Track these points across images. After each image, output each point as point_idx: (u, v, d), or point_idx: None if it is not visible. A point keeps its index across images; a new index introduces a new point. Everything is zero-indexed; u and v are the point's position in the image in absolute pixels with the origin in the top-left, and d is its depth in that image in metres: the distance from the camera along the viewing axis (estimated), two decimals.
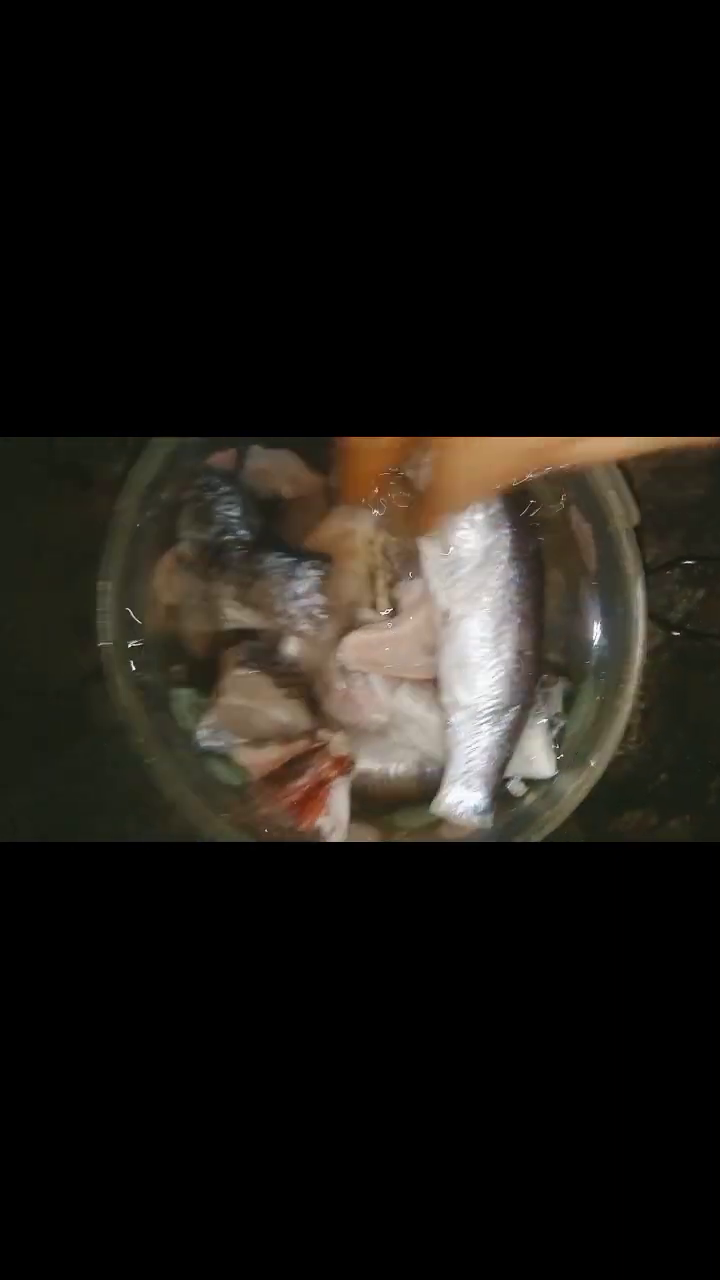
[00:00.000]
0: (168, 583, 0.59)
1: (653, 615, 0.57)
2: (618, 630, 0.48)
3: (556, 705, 0.52)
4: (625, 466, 0.56)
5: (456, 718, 0.49)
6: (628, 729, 0.60)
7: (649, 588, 0.57)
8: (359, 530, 0.55)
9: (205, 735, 0.59)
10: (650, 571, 0.58)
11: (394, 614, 0.54)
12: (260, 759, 0.58)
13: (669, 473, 0.58)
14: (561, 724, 0.53)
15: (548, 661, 0.53)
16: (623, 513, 0.46)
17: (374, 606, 0.55)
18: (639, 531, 0.49)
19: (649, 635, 0.57)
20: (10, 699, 0.82)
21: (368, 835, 0.58)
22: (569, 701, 0.53)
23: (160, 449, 0.54)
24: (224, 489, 0.55)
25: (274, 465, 0.55)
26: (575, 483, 0.48)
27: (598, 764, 0.49)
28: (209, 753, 0.60)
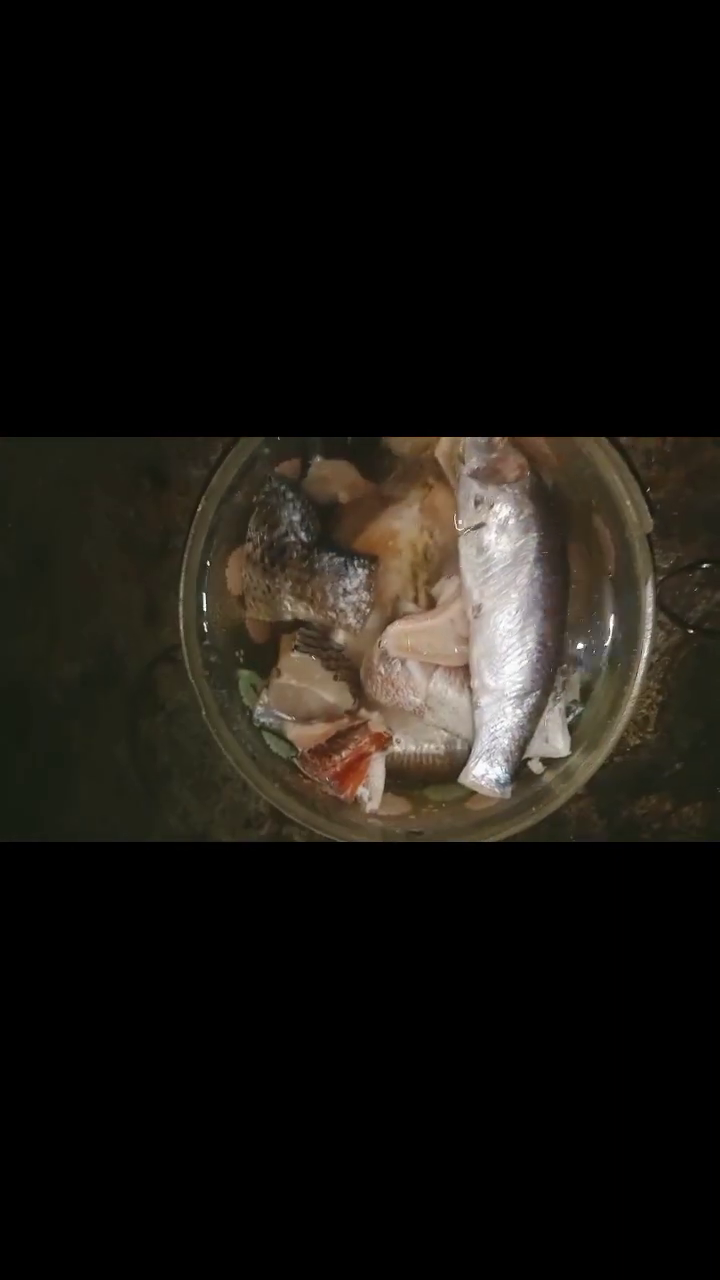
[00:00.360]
0: (236, 576, 0.67)
1: (672, 614, 0.62)
2: (630, 627, 0.54)
3: (574, 692, 0.58)
4: (647, 475, 0.61)
5: (484, 700, 0.55)
6: (645, 719, 0.65)
7: (671, 589, 0.62)
8: (404, 532, 0.62)
9: (261, 712, 0.67)
10: (672, 573, 0.63)
11: (432, 607, 0.60)
12: (308, 734, 0.65)
13: (696, 478, 0.63)
14: (579, 709, 0.59)
15: (568, 653, 0.59)
16: (637, 521, 0.51)
17: (415, 600, 0.61)
18: (656, 536, 0.54)
19: (668, 633, 0.62)
20: (91, 678, 0.92)
21: (401, 806, 0.65)
22: (586, 690, 0.58)
23: (237, 457, 0.62)
24: (289, 494, 0.62)
25: (333, 473, 0.63)
26: (598, 489, 0.54)
27: (605, 745, 0.55)
28: (264, 727, 0.67)
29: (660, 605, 0.63)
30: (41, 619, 0.95)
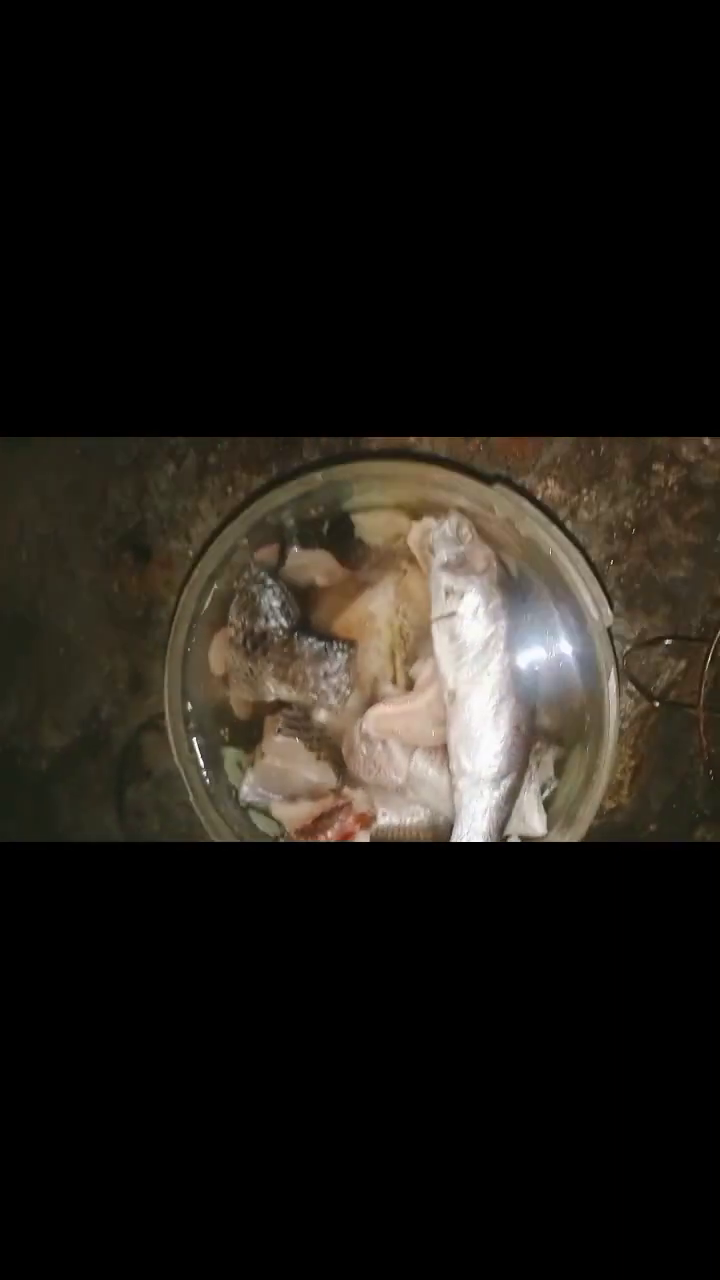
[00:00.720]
0: (219, 657, 0.69)
1: (639, 685, 0.65)
2: (596, 710, 0.56)
3: (548, 770, 0.60)
4: (608, 550, 0.64)
5: (462, 782, 0.57)
6: (620, 784, 0.67)
7: (637, 659, 0.65)
8: (380, 614, 0.64)
9: (247, 792, 0.68)
10: (637, 645, 0.65)
11: (410, 688, 0.63)
12: (294, 813, 0.67)
13: (654, 555, 0.66)
14: (554, 786, 0.61)
15: (543, 728, 0.61)
16: (597, 617, 0.54)
17: (394, 681, 0.64)
18: (621, 607, 0.57)
19: (636, 701, 0.64)
20: (84, 747, 0.93)
21: None
22: (559, 764, 0.61)
23: (219, 547, 0.64)
24: (268, 581, 0.65)
25: (311, 561, 0.65)
26: (559, 584, 0.56)
27: (582, 823, 0.57)
28: (251, 806, 0.69)
29: (628, 675, 0.65)
30: (28, 688, 0.97)
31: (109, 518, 0.88)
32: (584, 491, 0.66)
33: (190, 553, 0.85)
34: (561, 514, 0.67)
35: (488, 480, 0.57)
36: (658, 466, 0.65)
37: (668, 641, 0.62)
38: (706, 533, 0.64)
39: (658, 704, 0.62)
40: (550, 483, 0.67)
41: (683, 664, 0.65)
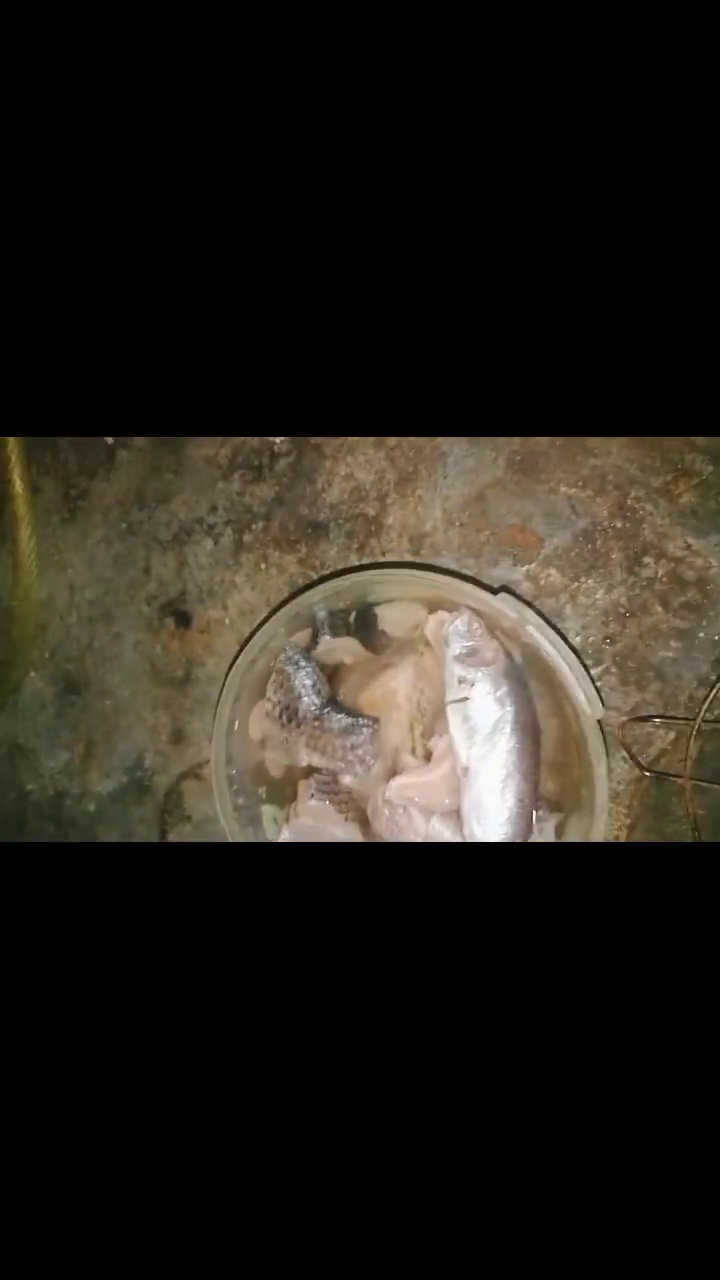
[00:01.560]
0: (257, 726, 0.78)
1: (632, 754, 0.73)
2: (590, 789, 0.64)
3: (550, 835, 0.68)
4: (605, 632, 0.71)
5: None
6: (615, 840, 0.75)
7: (631, 729, 0.72)
8: (400, 690, 0.72)
9: None
10: (631, 718, 0.73)
11: (428, 758, 0.71)
12: None
13: (646, 637, 0.74)
14: None
15: (545, 793, 0.69)
16: (589, 711, 0.62)
17: (413, 752, 0.72)
18: (617, 682, 0.63)
19: (630, 767, 0.72)
20: (129, 793, 1.02)
21: None
22: (560, 829, 0.69)
23: (260, 637, 0.73)
24: (301, 662, 0.73)
25: (340, 645, 0.73)
26: (549, 680, 0.64)
27: None
28: None
29: (622, 744, 0.73)
30: (77, 739, 1.06)
31: (152, 586, 0.97)
32: (581, 579, 0.74)
33: (226, 620, 0.94)
34: (562, 599, 0.75)
35: (493, 591, 0.65)
36: (648, 559, 0.73)
37: (656, 720, 0.70)
38: (693, 619, 0.71)
39: (648, 774, 0.70)
40: (552, 571, 0.75)
41: (671, 735, 0.72)
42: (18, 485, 0.88)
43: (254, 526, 0.90)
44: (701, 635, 0.71)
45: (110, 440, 0.98)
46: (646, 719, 0.70)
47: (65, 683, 1.05)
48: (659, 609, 0.72)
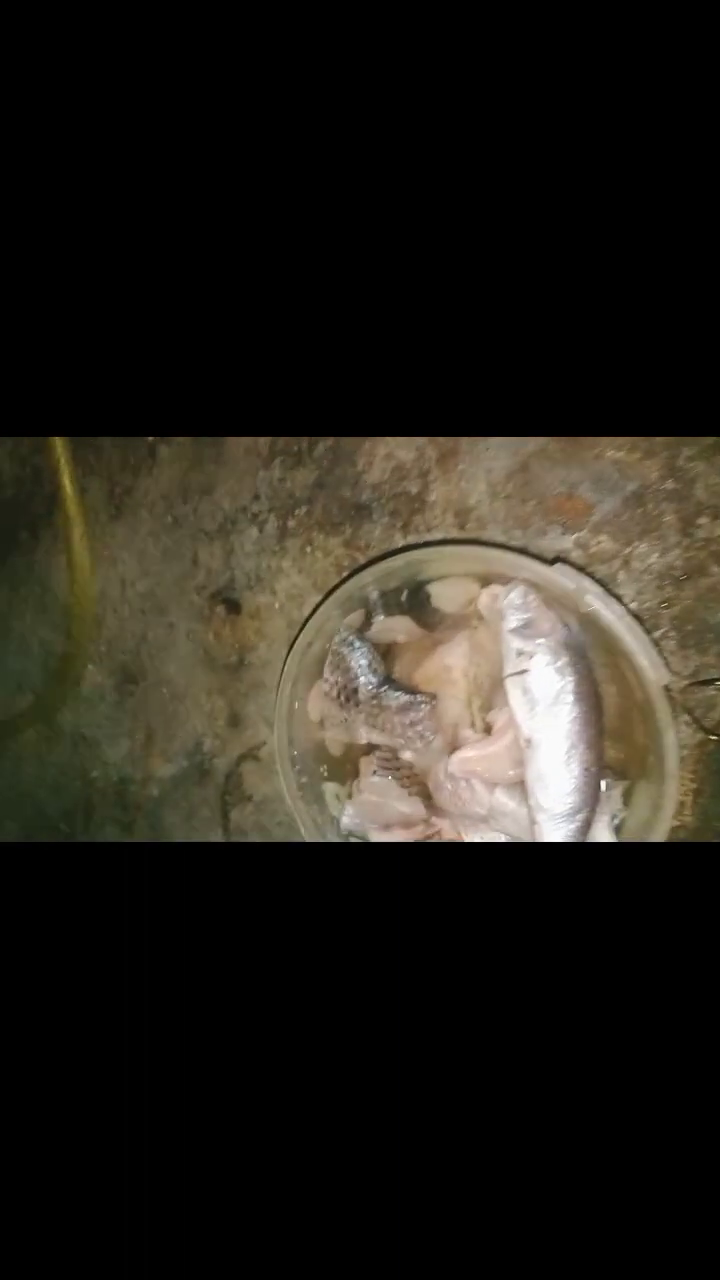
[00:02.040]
0: (316, 706, 0.79)
1: (695, 718, 0.72)
2: (659, 755, 0.64)
3: (618, 802, 0.68)
4: (662, 595, 0.71)
5: (540, 818, 0.66)
6: (682, 805, 0.75)
7: (693, 693, 0.72)
8: (455, 666, 0.73)
9: (347, 822, 0.78)
10: (692, 682, 0.72)
11: (488, 731, 0.71)
12: (389, 839, 0.77)
13: (704, 598, 0.73)
14: (623, 815, 0.69)
15: (609, 764, 0.69)
16: (654, 678, 0.61)
17: (472, 725, 0.72)
18: (676, 646, 0.62)
19: (694, 730, 0.72)
20: (190, 776, 1.05)
21: None
22: (627, 795, 0.69)
23: (315, 620, 0.74)
24: (356, 644, 0.74)
25: (394, 624, 0.74)
26: (608, 648, 0.64)
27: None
28: (350, 834, 0.79)
29: (685, 709, 0.73)
30: (137, 727, 1.09)
31: (201, 576, 0.99)
32: (634, 544, 0.73)
33: (275, 604, 0.95)
34: (615, 565, 0.74)
35: (548, 562, 0.65)
36: (702, 520, 0.71)
37: (717, 680, 0.69)
38: None
39: (713, 737, 0.69)
40: (603, 538, 0.74)
41: None
42: (67, 487, 0.90)
43: (297, 512, 0.91)
44: None
45: (151, 439, 0.99)
46: (709, 682, 0.70)
47: (123, 674, 1.08)
48: (716, 569, 0.71)
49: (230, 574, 0.97)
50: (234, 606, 0.98)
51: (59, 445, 0.89)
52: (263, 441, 0.92)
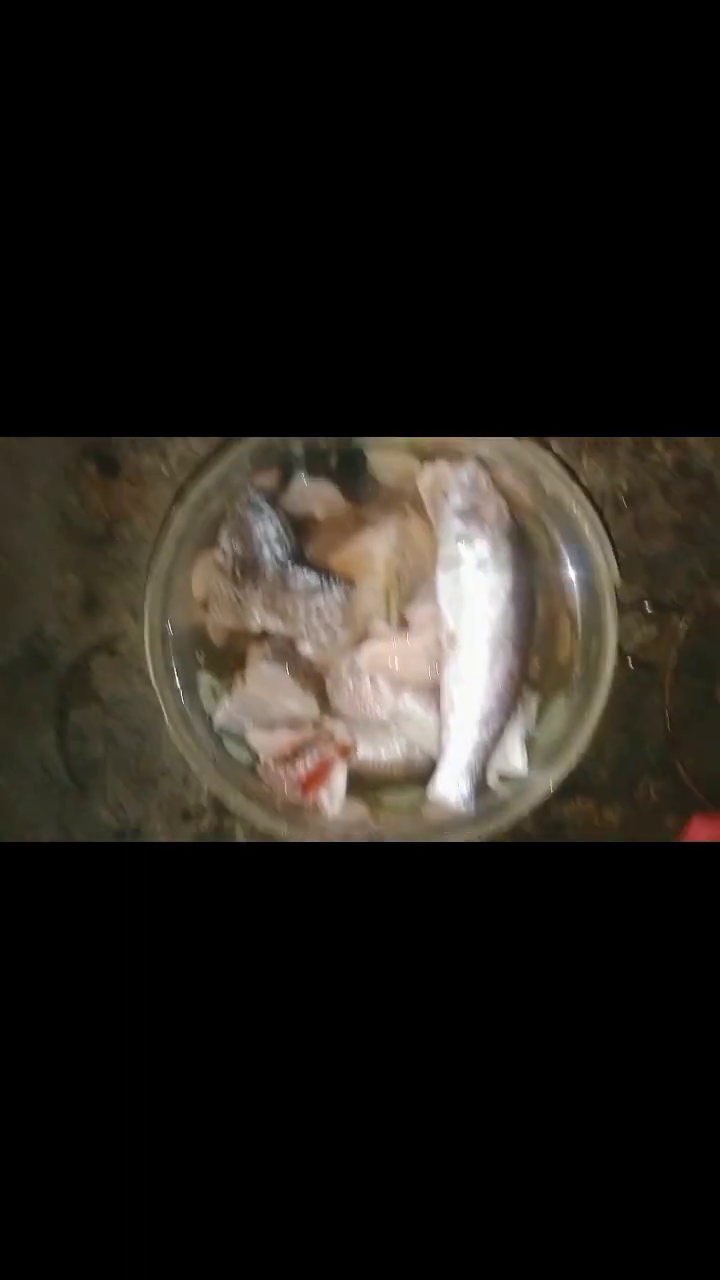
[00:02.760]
0: (201, 580, 0.67)
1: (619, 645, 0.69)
2: (591, 663, 0.60)
3: (532, 716, 0.64)
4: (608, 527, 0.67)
5: (451, 720, 0.60)
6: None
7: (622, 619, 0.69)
8: (379, 555, 0.64)
9: (222, 718, 0.68)
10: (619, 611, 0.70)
11: (404, 627, 0.64)
12: (271, 741, 0.67)
13: (642, 527, 0.70)
14: (533, 731, 0.65)
15: (529, 675, 0.65)
16: (609, 576, 0.57)
17: (388, 620, 0.64)
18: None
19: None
20: (22, 666, 0.88)
21: (358, 811, 0.68)
22: (541, 712, 0.64)
23: (214, 466, 0.62)
24: (265, 509, 0.63)
25: (314, 491, 0.64)
26: (569, 535, 0.59)
27: (563, 763, 0.61)
28: (224, 732, 0.68)
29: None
30: None
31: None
32: (584, 458, 0.69)
33: (164, 470, 0.81)
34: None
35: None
36: (657, 444, 0.68)
37: (647, 604, 0.66)
38: (690, 512, 0.68)
39: (631, 663, 0.67)
40: (553, 443, 0.69)
41: (654, 629, 0.69)
42: None
43: None
44: (698, 530, 0.68)
45: None
46: (633, 607, 0.67)
47: None
48: (659, 498, 0.68)
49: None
50: (109, 466, 0.83)
51: None
52: None
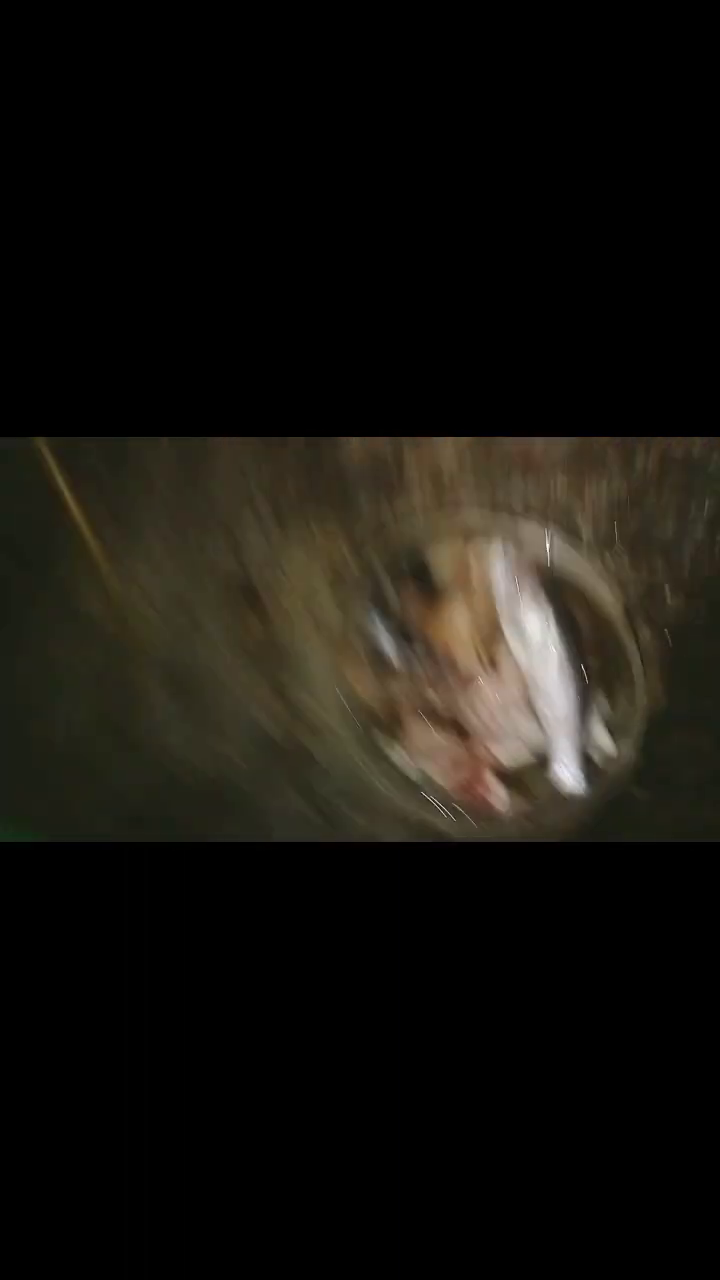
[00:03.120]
0: (358, 680, 0.94)
1: (650, 618, 0.85)
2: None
3: (605, 705, 0.84)
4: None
5: (548, 726, 0.83)
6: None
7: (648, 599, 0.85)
8: (459, 621, 0.88)
9: (402, 765, 0.95)
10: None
11: (493, 665, 0.87)
12: (433, 766, 0.94)
13: (649, 518, 0.85)
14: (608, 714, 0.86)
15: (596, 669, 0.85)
16: (610, 598, 0.76)
17: (480, 661, 0.88)
18: (625, 554, 0.76)
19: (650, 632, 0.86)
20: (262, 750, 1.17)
21: (517, 801, 0.93)
22: (611, 697, 0.85)
23: (332, 601, 0.88)
24: (378, 619, 0.89)
25: (402, 592, 0.89)
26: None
27: (632, 732, 0.81)
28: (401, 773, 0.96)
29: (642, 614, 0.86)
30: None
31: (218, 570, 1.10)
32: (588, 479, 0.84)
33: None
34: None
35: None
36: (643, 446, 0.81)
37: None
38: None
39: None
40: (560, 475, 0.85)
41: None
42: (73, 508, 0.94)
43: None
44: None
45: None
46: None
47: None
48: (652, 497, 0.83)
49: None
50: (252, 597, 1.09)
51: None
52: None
